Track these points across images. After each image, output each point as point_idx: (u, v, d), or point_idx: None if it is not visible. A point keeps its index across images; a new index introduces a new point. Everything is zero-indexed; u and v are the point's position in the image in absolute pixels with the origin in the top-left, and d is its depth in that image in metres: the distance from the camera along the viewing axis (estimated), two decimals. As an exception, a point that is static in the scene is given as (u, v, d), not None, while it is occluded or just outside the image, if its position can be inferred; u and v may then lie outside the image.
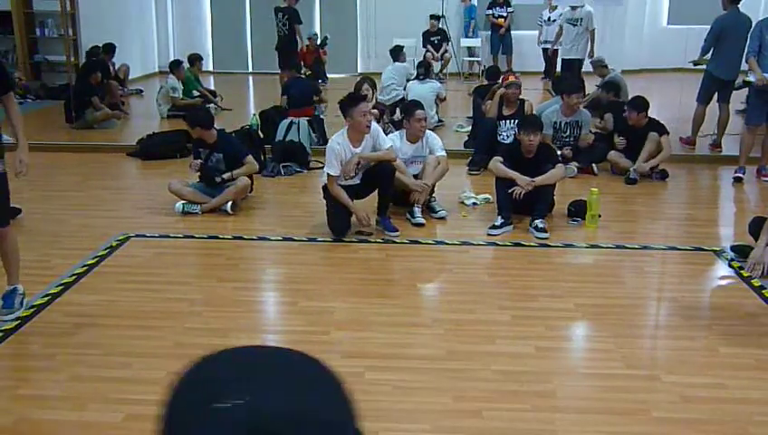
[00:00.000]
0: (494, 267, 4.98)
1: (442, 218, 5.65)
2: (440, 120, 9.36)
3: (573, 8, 11.03)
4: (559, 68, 11.69)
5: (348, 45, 14.95)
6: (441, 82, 12.57)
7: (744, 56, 7.07)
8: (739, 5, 7.61)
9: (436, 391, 3.20)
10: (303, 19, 11.85)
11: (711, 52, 7.72)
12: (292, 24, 11.21)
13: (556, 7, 13.07)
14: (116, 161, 7.80)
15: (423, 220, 5.51)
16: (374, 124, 5.68)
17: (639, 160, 6.86)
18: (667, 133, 7.05)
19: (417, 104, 5.88)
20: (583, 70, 10.76)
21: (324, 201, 5.38)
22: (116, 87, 10.57)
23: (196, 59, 10.91)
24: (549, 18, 13.25)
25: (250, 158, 5.93)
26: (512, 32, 14.24)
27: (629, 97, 7.84)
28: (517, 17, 14.24)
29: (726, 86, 7.82)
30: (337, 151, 5.20)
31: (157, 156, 7.65)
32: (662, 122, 7.13)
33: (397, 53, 10.10)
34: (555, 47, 12.15)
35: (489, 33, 14.33)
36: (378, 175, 5.30)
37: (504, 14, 13.91)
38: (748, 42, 7.02)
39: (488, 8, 14.15)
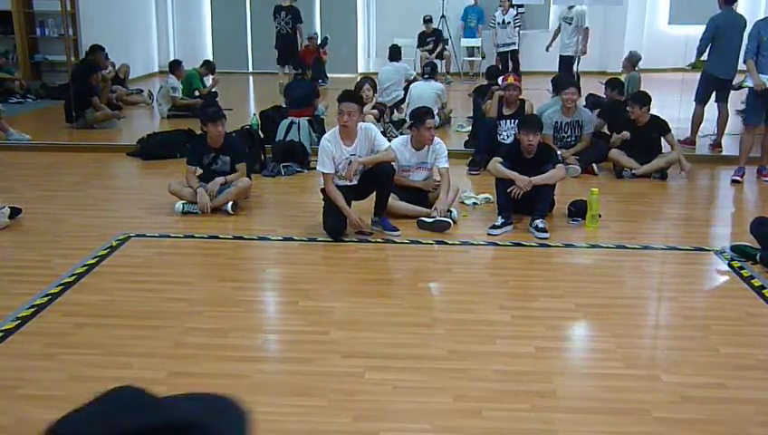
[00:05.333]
0: (494, 267, 4.98)
1: (454, 222, 5.50)
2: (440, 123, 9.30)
3: (570, 7, 11.01)
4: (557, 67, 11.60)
5: (348, 45, 14.96)
6: (448, 83, 12.58)
7: (743, 58, 7.07)
8: (734, 6, 7.62)
9: (437, 390, 3.20)
10: (303, 19, 11.92)
11: (708, 51, 7.72)
12: (294, 22, 11.41)
13: (510, 8, 12.69)
14: (116, 161, 7.81)
15: (449, 220, 5.42)
16: (370, 124, 5.66)
17: (644, 170, 6.86)
18: (670, 130, 7.07)
19: (429, 112, 5.73)
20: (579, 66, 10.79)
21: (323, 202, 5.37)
22: (109, 88, 10.49)
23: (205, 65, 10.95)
24: (503, 21, 12.66)
25: (243, 166, 5.89)
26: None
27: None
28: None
29: (724, 85, 7.82)
30: (328, 150, 5.18)
31: (157, 156, 7.65)
32: (663, 118, 7.15)
33: (394, 53, 10.08)
34: (549, 46, 12.00)
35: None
36: (377, 175, 5.28)
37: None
38: (746, 42, 7.02)
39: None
